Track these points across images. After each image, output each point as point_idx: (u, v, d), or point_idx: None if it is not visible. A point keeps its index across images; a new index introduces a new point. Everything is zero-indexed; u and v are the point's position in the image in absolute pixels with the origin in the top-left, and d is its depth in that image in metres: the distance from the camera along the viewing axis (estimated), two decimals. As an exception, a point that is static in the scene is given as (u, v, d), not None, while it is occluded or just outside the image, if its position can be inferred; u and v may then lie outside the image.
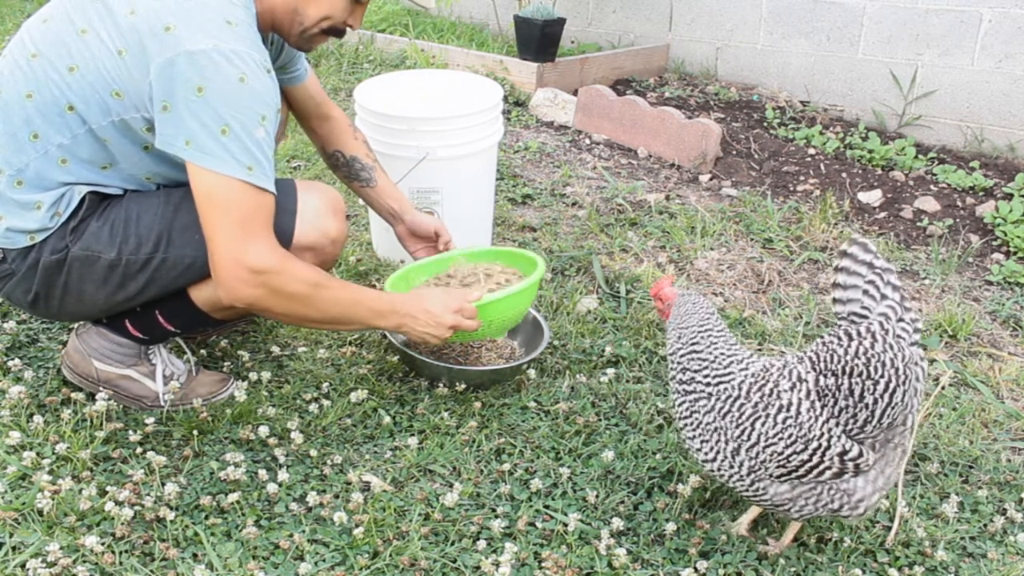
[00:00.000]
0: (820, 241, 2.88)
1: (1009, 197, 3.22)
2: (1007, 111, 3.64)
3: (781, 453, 1.37)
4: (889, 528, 1.59)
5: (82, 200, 1.53)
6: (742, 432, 1.39)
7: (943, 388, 2.08)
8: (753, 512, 1.54)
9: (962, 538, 1.60)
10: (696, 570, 1.43)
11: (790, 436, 1.36)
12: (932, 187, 3.36)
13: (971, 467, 1.82)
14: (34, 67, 1.48)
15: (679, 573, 1.42)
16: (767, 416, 1.38)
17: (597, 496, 1.59)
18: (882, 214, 3.17)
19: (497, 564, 1.38)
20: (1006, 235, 2.96)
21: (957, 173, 3.41)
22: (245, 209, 1.44)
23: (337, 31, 1.64)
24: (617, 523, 1.51)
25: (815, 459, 1.36)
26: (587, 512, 1.56)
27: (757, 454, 1.38)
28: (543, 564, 1.42)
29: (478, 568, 1.40)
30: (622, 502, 1.59)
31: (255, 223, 1.45)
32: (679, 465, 1.69)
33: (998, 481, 1.78)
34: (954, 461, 1.83)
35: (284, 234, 1.60)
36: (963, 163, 3.59)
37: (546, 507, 1.56)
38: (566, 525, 1.49)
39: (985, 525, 1.64)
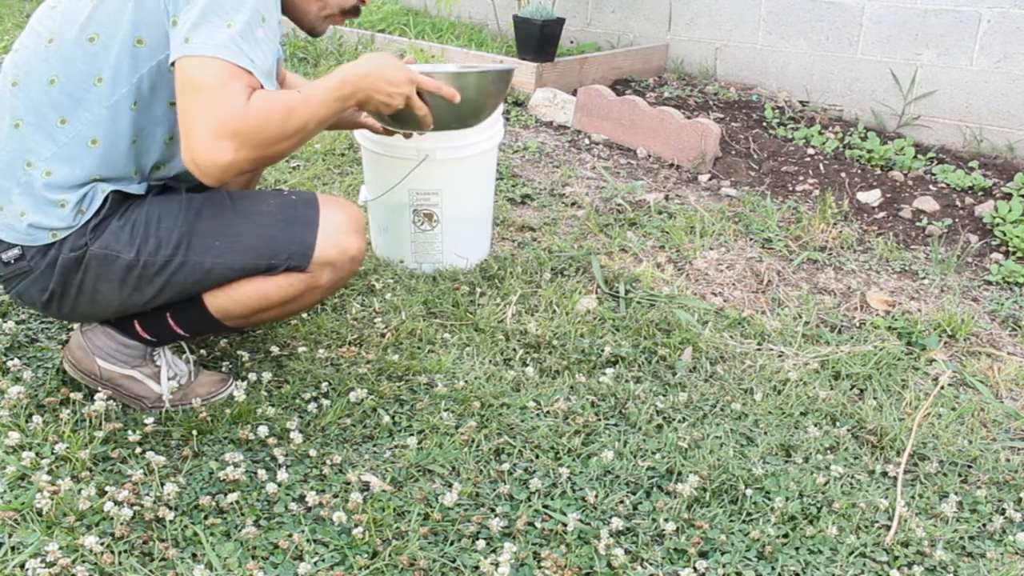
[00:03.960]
0: (819, 241, 2.88)
1: (1008, 197, 3.22)
2: (1006, 111, 3.64)
3: None
4: (888, 528, 1.59)
5: (105, 199, 1.53)
6: None
7: (942, 388, 2.08)
8: None
9: (961, 538, 1.60)
10: (695, 570, 1.43)
11: None
12: (931, 187, 3.36)
13: (970, 467, 1.82)
14: (52, 51, 1.49)
15: (678, 573, 1.42)
16: None
17: (596, 496, 1.59)
18: (881, 214, 3.18)
19: (496, 564, 1.38)
20: (1005, 235, 2.96)
21: (956, 173, 3.41)
22: (228, 78, 1.37)
23: (356, 9, 1.69)
24: (616, 523, 1.51)
25: None
26: (586, 512, 1.56)
27: None
28: (542, 564, 1.42)
29: (477, 568, 1.40)
30: (621, 502, 1.59)
31: (235, 86, 1.38)
32: (678, 465, 1.69)
33: (997, 481, 1.78)
34: (953, 461, 1.83)
35: (305, 247, 1.61)
36: (962, 163, 3.59)
37: (545, 507, 1.56)
38: (565, 525, 1.50)
39: (984, 525, 1.65)
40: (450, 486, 1.59)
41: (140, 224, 1.55)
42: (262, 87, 1.43)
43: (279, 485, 1.53)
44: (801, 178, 3.40)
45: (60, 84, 1.48)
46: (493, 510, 1.54)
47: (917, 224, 3.10)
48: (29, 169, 1.51)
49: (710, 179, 3.37)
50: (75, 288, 1.57)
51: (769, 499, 1.63)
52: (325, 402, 1.79)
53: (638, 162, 3.53)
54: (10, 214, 1.53)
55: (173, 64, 1.41)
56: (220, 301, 1.63)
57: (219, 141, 1.36)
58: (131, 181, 1.57)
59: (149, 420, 1.65)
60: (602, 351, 2.09)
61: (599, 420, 1.83)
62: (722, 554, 1.48)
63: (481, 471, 1.65)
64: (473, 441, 1.73)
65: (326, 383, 1.86)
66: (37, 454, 1.54)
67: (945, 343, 2.33)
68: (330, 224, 1.63)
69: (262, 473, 1.56)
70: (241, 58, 1.38)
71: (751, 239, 2.85)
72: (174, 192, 1.63)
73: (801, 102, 4.17)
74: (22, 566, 1.30)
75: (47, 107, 1.49)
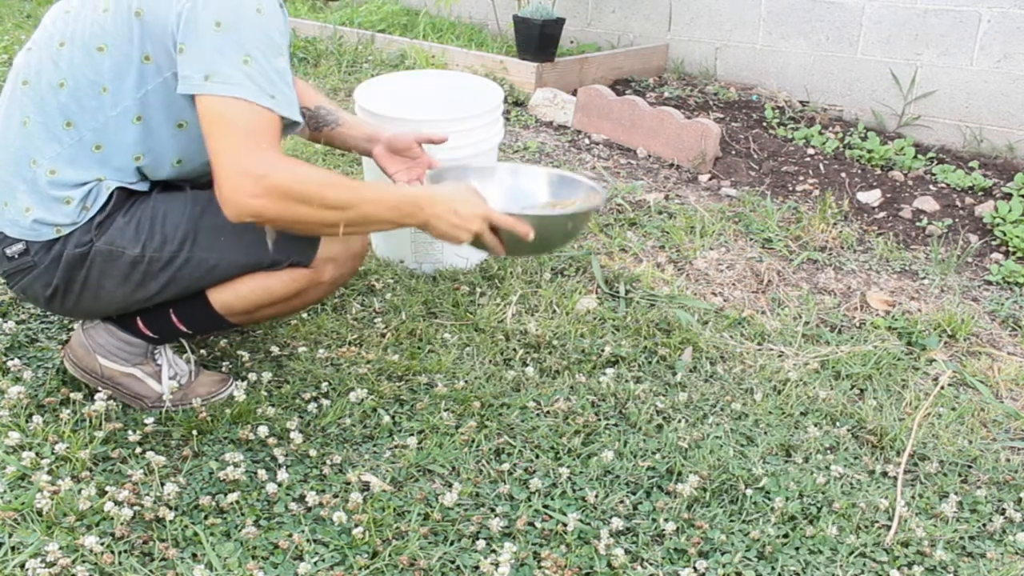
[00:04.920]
0: (819, 241, 2.88)
1: (1008, 197, 3.22)
2: (1006, 111, 3.64)
3: None
4: (888, 528, 1.59)
5: (110, 196, 1.54)
6: None
7: (942, 388, 2.08)
8: None
9: (961, 538, 1.60)
10: (695, 570, 1.43)
11: None
12: (931, 187, 3.36)
13: (970, 467, 1.82)
14: (62, 56, 1.50)
15: (678, 573, 1.43)
16: None
17: (596, 496, 1.59)
18: (881, 214, 3.18)
19: (496, 564, 1.38)
20: (1005, 235, 2.96)
21: (956, 173, 3.41)
22: (255, 125, 1.39)
23: None
24: (616, 523, 1.51)
25: None
26: (586, 512, 1.56)
27: None
28: (542, 564, 1.42)
29: (477, 568, 1.40)
30: (621, 502, 1.59)
31: (264, 136, 1.39)
32: (678, 465, 1.69)
33: (997, 481, 1.78)
34: (953, 461, 1.83)
35: (309, 243, 1.62)
36: (962, 163, 3.59)
37: (545, 507, 1.56)
38: (565, 525, 1.50)
39: (984, 525, 1.65)
40: (450, 486, 1.59)
41: (145, 220, 1.55)
42: (284, 119, 1.43)
43: (279, 485, 1.53)
44: (801, 178, 3.40)
45: (68, 89, 1.49)
46: (493, 510, 1.54)
47: (917, 224, 3.10)
48: (34, 167, 1.51)
49: (710, 179, 3.37)
50: (79, 284, 1.57)
51: (769, 499, 1.63)
52: (325, 402, 1.79)
53: (638, 162, 3.54)
54: (15, 210, 1.53)
55: (192, 97, 1.41)
56: (224, 296, 1.64)
57: (244, 179, 1.36)
58: (137, 182, 1.58)
59: (149, 420, 1.65)
60: (602, 351, 2.09)
61: (599, 420, 1.83)
62: (722, 554, 1.48)
63: (481, 471, 1.65)
64: (473, 441, 1.73)
65: (326, 383, 1.86)
66: (37, 454, 1.54)
67: (945, 343, 2.33)
68: None
69: (262, 473, 1.56)
70: (262, 96, 1.39)
71: (751, 239, 2.85)
72: (179, 189, 1.63)
73: (801, 102, 4.17)
74: (22, 566, 1.30)
75: (54, 109, 1.50)
